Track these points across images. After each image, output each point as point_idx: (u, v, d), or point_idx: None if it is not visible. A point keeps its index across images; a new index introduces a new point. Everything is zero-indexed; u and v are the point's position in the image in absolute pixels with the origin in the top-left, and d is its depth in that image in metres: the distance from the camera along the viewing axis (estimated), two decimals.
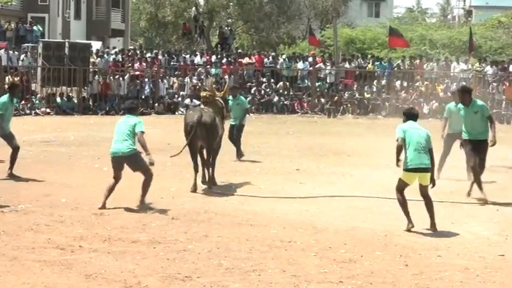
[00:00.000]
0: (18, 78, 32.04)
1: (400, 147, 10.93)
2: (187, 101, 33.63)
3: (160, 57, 36.90)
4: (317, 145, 21.34)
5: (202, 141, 13.65)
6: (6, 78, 32.04)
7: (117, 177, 12.03)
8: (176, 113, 33.06)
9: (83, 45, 35.16)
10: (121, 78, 33.74)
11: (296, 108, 34.75)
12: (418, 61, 37.49)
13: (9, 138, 14.92)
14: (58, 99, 31.91)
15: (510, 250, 9.71)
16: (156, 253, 9.06)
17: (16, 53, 34.75)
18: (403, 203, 10.89)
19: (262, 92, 35.14)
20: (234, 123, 17.74)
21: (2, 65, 32.27)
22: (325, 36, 49.86)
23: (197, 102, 31.99)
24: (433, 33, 48.38)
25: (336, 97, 34.78)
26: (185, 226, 10.56)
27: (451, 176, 15.72)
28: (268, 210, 11.88)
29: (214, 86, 15.74)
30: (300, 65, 37.03)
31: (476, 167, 13.02)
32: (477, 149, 13.12)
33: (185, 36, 51.12)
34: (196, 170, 13.64)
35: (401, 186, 11.00)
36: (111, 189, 11.91)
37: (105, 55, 35.84)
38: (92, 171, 15.67)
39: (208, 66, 36.29)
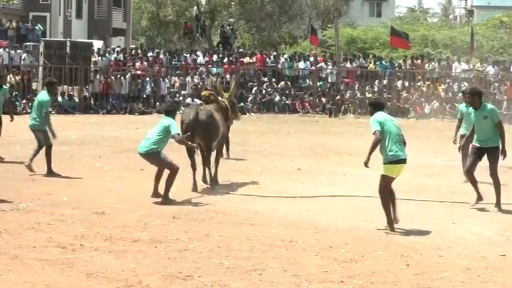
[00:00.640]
0: (20, 77, 32.12)
1: (379, 141, 10.57)
2: (188, 100, 33.60)
3: (161, 56, 36.93)
4: (318, 145, 21.34)
5: (199, 139, 13.64)
6: (8, 77, 32.07)
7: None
8: (178, 112, 33.02)
9: (85, 44, 35.19)
10: (122, 78, 33.76)
11: (297, 107, 34.74)
12: (419, 61, 37.47)
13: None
14: (59, 98, 31.90)
15: (511, 250, 9.70)
16: (157, 252, 9.06)
17: (19, 51, 34.76)
18: (386, 203, 10.63)
19: (264, 91, 35.14)
20: None
21: (3, 64, 32.30)
22: (327, 35, 49.86)
23: (198, 102, 32.05)
24: (435, 33, 48.36)
25: (338, 97, 34.78)
26: (186, 225, 10.55)
27: (453, 176, 15.75)
28: (269, 209, 11.87)
29: (219, 85, 15.66)
30: (302, 64, 37.02)
31: (471, 172, 12.42)
32: (488, 157, 12.35)
33: (186, 35, 51.12)
34: (194, 168, 13.62)
35: (387, 183, 10.71)
36: (158, 178, 12.62)
37: (107, 54, 35.85)
38: (93, 170, 15.67)
39: (209, 66, 36.28)
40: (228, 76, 35.51)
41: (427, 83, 35.76)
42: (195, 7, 51.91)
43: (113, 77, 33.70)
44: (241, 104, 31.14)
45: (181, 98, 34.06)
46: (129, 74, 34.20)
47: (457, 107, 14.72)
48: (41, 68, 32.27)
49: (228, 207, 11.93)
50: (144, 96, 33.66)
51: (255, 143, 20.22)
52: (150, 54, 37.11)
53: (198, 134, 13.54)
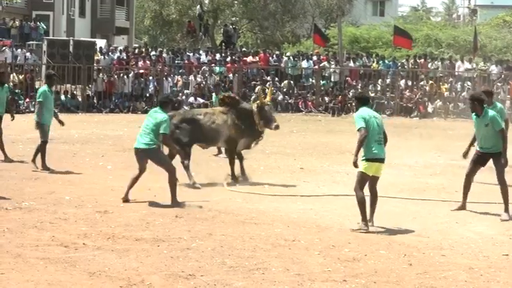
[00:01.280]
0: (23, 76, 32.16)
1: (365, 138, 10.41)
2: (191, 99, 33.63)
3: (164, 55, 36.93)
4: (321, 144, 21.35)
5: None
6: (11, 76, 32.12)
7: (141, 169, 12.19)
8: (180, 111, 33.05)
9: (88, 43, 35.19)
10: (125, 76, 33.77)
11: (300, 106, 34.72)
12: (422, 60, 37.44)
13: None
14: (62, 97, 31.93)
15: None
16: (159, 251, 9.06)
17: (24, 50, 34.80)
18: (363, 202, 10.48)
19: (265, 90, 35.08)
20: None
21: (7, 63, 32.33)
22: (330, 35, 49.81)
23: (201, 101, 32.10)
24: (438, 33, 48.31)
25: (340, 96, 34.77)
26: (189, 224, 10.55)
27: (455, 176, 15.72)
28: (272, 208, 11.87)
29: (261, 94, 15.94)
30: (304, 63, 37.00)
31: (469, 176, 12.17)
32: (494, 163, 11.97)
33: (189, 34, 51.17)
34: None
35: (364, 180, 10.57)
36: (134, 180, 12.15)
37: (110, 53, 35.87)
38: (96, 169, 15.68)
39: (212, 65, 36.29)
40: (230, 75, 35.54)
41: (430, 82, 35.73)
42: (198, 6, 51.92)
43: (116, 76, 33.71)
44: None
45: (184, 97, 34.09)
46: (132, 73, 34.22)
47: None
48: (44, 67, 32.24)
49: (230, 207, 11.93)
50: (147, 95, 33.67)
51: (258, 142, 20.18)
52: (153, 53, 37.12)
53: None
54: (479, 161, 12.14)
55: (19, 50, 34.83)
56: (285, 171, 16.10)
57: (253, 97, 15.44)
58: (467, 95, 34.96)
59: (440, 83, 35.94)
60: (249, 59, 37.37)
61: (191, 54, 37.75)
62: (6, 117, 16.82)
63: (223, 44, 45.50)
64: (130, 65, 35.17)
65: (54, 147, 17.21)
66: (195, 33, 50.85)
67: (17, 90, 31.21)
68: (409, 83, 35.82)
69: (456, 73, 36.69)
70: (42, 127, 15.27)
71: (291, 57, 37.54)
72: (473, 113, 12.12)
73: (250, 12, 55.79)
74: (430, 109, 34.54)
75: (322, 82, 35.93)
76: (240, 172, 14.62)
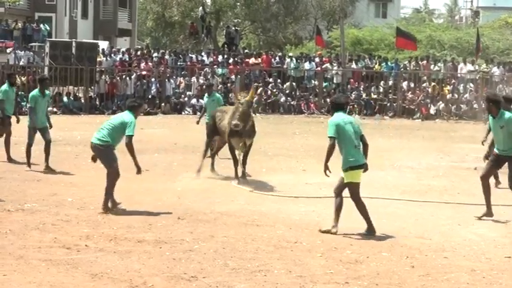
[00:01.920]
0: (25, 77, 32.17)
1: (333, 147, 10.33)
2: (193, 101, 33.64)
3: (167, 57, 36.95)
4: (323, 145, 21.25)
5: None
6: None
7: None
8: (182, 113, 33.11)
9: (90, 45, 35.22)
10: (128, 78, 33.79)
11: (303, 108, 34.74)
12: (425, 62, 37.43)
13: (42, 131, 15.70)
14: (65, 99, 31.96)
15: None
16: (162, 253, 9.06)
17: (26, 52, 34.83)
18: (339, 208, 10.38)
19: (269, 92, 35.13)
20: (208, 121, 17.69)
21: (9, 64, 32.37)
22: (332, 36, 49.83)
23: (203, 102, 32.07)
24: (441, 34, 48.31)
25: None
26: (191, 226, 10.55)
27: (458, 178, 15.75)
28: (274, 210, 11.87)
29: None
30: (307, 65, 37.01)
31: (486, 178, 11.91)
32: (509, 165, 11.71)
33: (192, 36, 51.16)
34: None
35: (357, 189, 10.42)
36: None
37: (112, 55, 35.90)
38: (98, 171, 15.60)
39: (215, 66, 36.30)
40: (233, 77, 35.55)
41: (433, 84, 35.74)
42: (201, 8, 51.89)
43: (118, 78, 33.73)
44: None
45: (186, 98, 34.11)
46: (134, 74, 34.24)
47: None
48: (46, 69, 32.29)
49: (232, 208, 11.93)
50: (150, 96, 33.68)
51: (260, 143, 20.17)
52: (155, 54, 37.14)
53: None
54: (495, 162, 11.96)
55: (25, 52, 34.86)
56: (287, 172, 16.10)
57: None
58: (469, 97, 35.03)
59: (443, 85, 35.94)
60: (252, 60, 37.37)
61: (193, 55, 37.76)
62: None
63: (225, 45, 45.51)
64: (133, 67, 35.19)
65: (57, 149, 17.23)
66: (197, 35, 50.84)
67: (20, 92, 31.22)
68: (412, 84, 35.81)
69: (459, 75, 36.69)
70: (29, 130, 15.57)
71: (293, 59, 37.54)
72: (490, 115, 11.95)
73: (252, 14, 55.78)
74: (432, 111, 34.53)
75: (324, 84, 35.93)
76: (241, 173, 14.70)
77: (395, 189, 14.09)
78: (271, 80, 35.94)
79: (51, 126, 15.96)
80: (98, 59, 34.27)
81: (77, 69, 32.08)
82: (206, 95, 18.67)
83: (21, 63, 33.64)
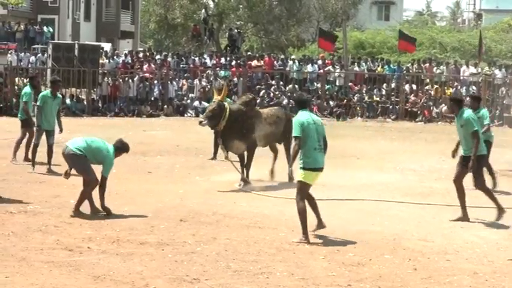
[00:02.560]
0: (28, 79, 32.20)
1: (298, 150, 10.08)
2: (196, 103, 33.65)
3: (169, 59, 36.97)
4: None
5: None
6: (16, 79, 32.19)
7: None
8: (185, 115, 33.13)
9: (93, 47, 35.24)
10: (130, 80, 33.80)
11: None
12: (427, 64, 37.42)
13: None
14: (67, 101, 31.97)
15: None
16: (164, 255, 9.06)
17: (28, 54, 34.88)
18: (303, 213, 10.03)
19: (271, 94, 35.13)
20: None
21: (12, 66, 32.41)
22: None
23: (206, 104, 32.09)
24: (443, 36, 48.30)
25: (345, 100, 34.77)
26: (193, 228, 10.55)
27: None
28: (277, 212, 11.87)
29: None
30: (310, 67, 37.00)
31: (458, 180, 11.97)
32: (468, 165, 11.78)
33: (194, 38, 51.19)
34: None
35: (306, 189, 10.19)
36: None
37: (115, 57, 35.92)
38: (100, 173, 15.64)
39: (217, 69, 36.32)
40: (235, 79, 35.56)
41: (435, 86, 35.72)
42: (203, 10, 51.94)
43: (121, 80, 33.75)
44: None
45: (189, 101, 34.12)
46: (137, 76, 34.25)
47: None
48: (49, 71, 32.31)
49: (235, 211, 11.93)
50: (152, 99, 33.70)
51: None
52: (158, 57, 37.17)
53: None
54: (462, 163, 11.99)
55: (26, 53, 34.91)
56: None
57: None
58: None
59: (445, 88, 35.93)
60: (254, 63, 37.37)
61: (196, 58, 37.77)
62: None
63: (228, 48, 45.52)
64: (136, 69, 35.21)
65: (59, 151, 17.20)
66: (200, 37, 50.87)
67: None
68: (414, 87, 35.80)
69: (461, 78, 36.66)
70: (38, 130, 15.58)
71: (296, 62, 37.52)
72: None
73: (255, 16, 55.80)
74: (435, 113, 34.51)
75: (327, 86, 35.92)
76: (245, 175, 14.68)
77: (398, 192, 14.08)
78: (273, 82, 35.94)
79: (61, 130, 15.89)
80: (101, 61, 34.28)
81: (80, 71, 32.08)
82: (214, 98, 18.24)
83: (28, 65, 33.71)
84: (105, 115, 31.79)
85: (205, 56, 38.54)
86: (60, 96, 16.29)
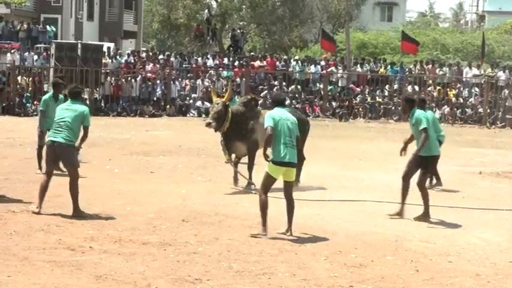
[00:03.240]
0: (31, 79, 32.24)
1: (271, 137, 10.17)
2: (198, 103, 33.66)
3: (172, 59, 36.98)
4: (328, 149, 21.31)
5: None
6: (19, 78, 32.22)
7: (51, 173, 11.55)
8: (187, 115, 33.16)
9: (96, 47, 35.26)
10: (133, 80, 33.82)
11: (307, 111, 34.71)
12: (430, 66, 37.40)
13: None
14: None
15: None
16: (166, 255, 9.06)
17: (32, 53, 34.90)
18: (264, 207, 10.21)
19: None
20: None
21: (15, 66, 32.43)
22: (338, 40, 49.80)
23: (208, 105, 32.11)
24: (446, 38, 48.30)
25: (348, 101, 34.77)
26: (195, 228, 10.55)
27: (462, 182, 15.72)
28: (279, 213, 11.84)
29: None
30: (312, 68, 37.00)
31: (406, 178, 11.92)
32: (420, 165, 11.87)
33: (197, 38, 51.23)
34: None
35: (269, 183, 10.34)
36: (44, 189, 11.34)
37: (118, 56, 35.94)
38: (103, 173, 15.70)
39: (220, 69, 36.32)
40: (238, 79, 35.57)
41: (438, 87, 35.71)
42: (206, 10, 51.99)
43: (123, 80, 33.76)
44: None
45: (191, 101, 34.14)
46: (139, 76, 34.26)
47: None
48: (51, 70, 32.31)
49: (237, 211, 11.93)
50: (155, 98, 33.74)
51: None
52: (160, 57, 37.18)
53: None
54: (416, 162, 11.95)
55: (30, 53, 34.92)
56: None
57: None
58: (474, 101, 35.00)
59: (448, 89, 35.92)
60: (257, 63, 37.36)
61: (199, 58, 37.79)
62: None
63: (231, 48, 45.54)
64: (138, 69, 35.22)
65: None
66: (202, 37, 50.90)
67: (25, 94, 31.33)
68: (417, 88, 35.77)
69: (464, 79, 36.65)
70: (40, 133, 15.45)
71: (298, 62, 37.52)
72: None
73: (258, 17, 55.82)
74: (437, 115, 34.46)
75: (329, 87, 35.92)
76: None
77: (400, 193, 14.05)
78: (276, 83, 35.94)
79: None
80: (104, 61, 34.30)
81: (83, 71, 32.09)
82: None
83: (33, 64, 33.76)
84: (107, 115, 31.80)
85: (208, 56, 38.54)
86: (62, 97, 16.17)
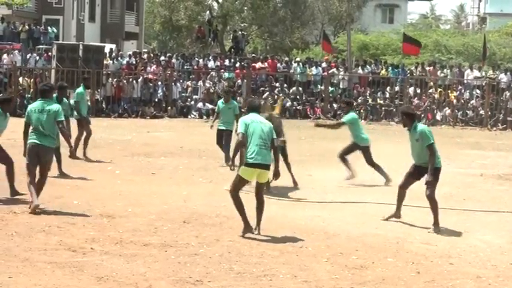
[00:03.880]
0: (32, 79, 32.24)
1: (242, 143, 10.27)
2: (200, 104, 33.67)
3: (173, 60, 36.99)
4: (329, 151, 21.24)
5: None
6: (20, 79, 32.23)
7: (35, 173, 11.82)
8: (189, 116, 33.16)
9: (97, 48, 35.27)
10: (134, 81, 33.82)
11: (308, 113, 34.73)
12: (431, 68, 37.41)
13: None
14: (71, 101, 31.91)
15: None
16: (167, 256, 9.06)
17: (34, 54, 34.92)
18: (239, 205, 10.30)
19: (275, 96, 35.12)
20: (224, 128, 17.63)
21: (16, 67, 32.44)
22: (339, 42, 49.82)
23: (210, 106, 32.14)
24: (447, 40, 48.30)
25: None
26: (197, 230, 10.55)
27: (463, 184, 15.72)
28: (280, 215, 11.86)
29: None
30: (313, 70, 37.00)
31: (402, 188, 11.79)
32: (422, 174, 11.58)
33: (199, 40, 51.24)
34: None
35: (239, 184, 10.36)
36: (31, 183, 11.66)
37: (119, 58, 35.95)
38: (104, 174, 15.70)
39: (221, 70, 36.33)
40: (239, 81, 35.58)
41: (439, 89, 35.71)
42: (208, 12, 52.00)
43: (125, 81, 33.77)
44: None
45: (192, 102, 34.14)
46: (141, 77, 34.27)
47: None
48: (53, 71, 32.33)
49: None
50: (156, 100, 33.76)
51: None
52: (162, 58, 37.19)
53: None
54: (414, 174, 11.78)
55: (33, 54, 34.93)
56: None
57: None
58: (476, 103, 34.99)
59: (449, 91, 35.92)
60: (258, 65, 37.37)
61: (200, 59, 37.80)
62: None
63: (232, 49, 45.57)
64: (140, 70, 35.22)
65: (63, 152, 17.24)
66: (204, 39, 50.91)
67: (26, 95, 31.32)
68: (418, 90, 35.79)
69: (465, 81, 36.65)
70: None
71: (300, 64, 37.52)
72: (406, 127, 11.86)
73: (259, 19, 55.86)
74: (438, 117, 34.50)
75: (330, 89, 35.93)
76: None
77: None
78: (277, 84, 35.94)
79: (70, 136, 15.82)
80: (105, 62, 34.31)
81: (84, 72, 32.05)
82: (222, 100, 17.99)
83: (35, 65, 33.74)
84: (109, 116, 31.81)
85: (210, 57, 38.56)
86: (67, 101, 16.16)
